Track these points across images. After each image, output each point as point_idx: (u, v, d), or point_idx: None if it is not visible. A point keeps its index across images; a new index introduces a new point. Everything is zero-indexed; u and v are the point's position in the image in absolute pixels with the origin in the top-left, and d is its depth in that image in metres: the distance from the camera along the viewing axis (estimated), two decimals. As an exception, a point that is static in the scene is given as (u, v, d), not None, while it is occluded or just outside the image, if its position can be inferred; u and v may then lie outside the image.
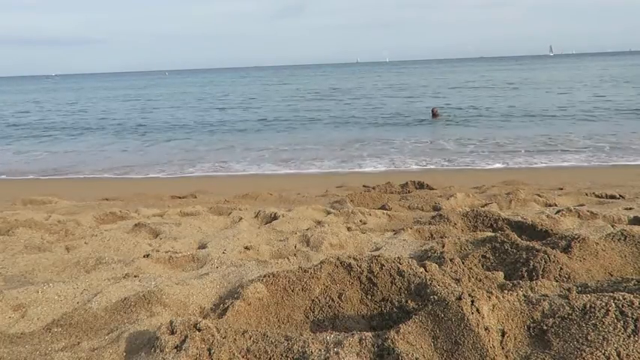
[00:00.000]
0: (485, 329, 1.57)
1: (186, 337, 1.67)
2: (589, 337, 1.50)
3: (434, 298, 1.78)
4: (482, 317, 1.59)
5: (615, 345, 1.45)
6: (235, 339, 1.68)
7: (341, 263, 2.20)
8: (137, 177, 9.26)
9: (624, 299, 1.59)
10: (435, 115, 17.32)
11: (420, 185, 5.87)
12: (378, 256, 2.24)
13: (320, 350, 1.60)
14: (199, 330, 1.69)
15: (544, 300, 1.68)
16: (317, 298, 2.08)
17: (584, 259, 2.40)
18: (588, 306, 1.60)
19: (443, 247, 2.82)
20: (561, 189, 5.63)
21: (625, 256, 2.47)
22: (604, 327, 1.52)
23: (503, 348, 1.57)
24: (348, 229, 3.55)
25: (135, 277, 2.58)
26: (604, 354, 1.43)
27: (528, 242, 2.67)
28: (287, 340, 1.66)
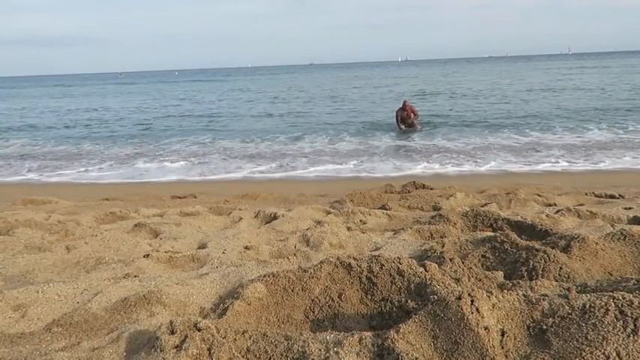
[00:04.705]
0: (485, 329, 1.57)
1: (186, 337, 1.67)
2: (589, 337, 1.50)
3: (434, 298, 1.79)
4: (482, 317, 1.60)
5: (615, 345, 1.45)
6: (235, 339, 1.68)
7: (341, 263, 2.20)
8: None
9: (624, 299, 1.59)
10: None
11: (420, 185, 5.88)
12: (378, 255, 2.24)
13: (320, 350, 1.60)
14: (199, 330, 1.69)
15: (544, 300, 1.68)
16: (317, 297, 2.08)
17: (583, 258, 2.41)
18: (588, 305, 1.60)
19: (443, 246, 2.82)
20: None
21: (625, 255, 2.47)
22: (604, 326, 1.52)
23: (502, 347, 1.57)
24: (348, 229, 3.55)
25: (135, 277, 2.58)
26: (604, 353, 1.43)
27: (528, 242, 2.68)
28: (287, 340, 1.67)
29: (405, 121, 13.71)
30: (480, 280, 2.27)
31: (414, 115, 13.80)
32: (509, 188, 5.66)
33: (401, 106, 13.92)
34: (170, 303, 2.20)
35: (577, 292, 1.84)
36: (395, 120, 13.98)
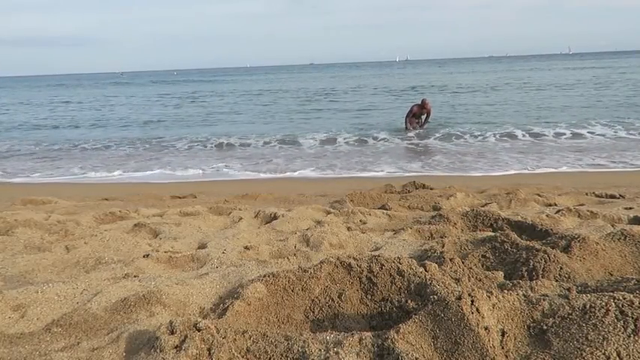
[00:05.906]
0: (485, 329, 1.57)
1: (185, 337, 1.67)
2: (589, 337, 1.50)
3: (434, 298, 1.78)
4: (482, 317, 1.59)
5: (615, 345, 1.45)
6: (235, 339, 1.68)
7: (341, 263, 2.20)
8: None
9: (624, 299, 1.59)
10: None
11: (420, 185, 5.88)
12: (378, 255, 2.24)
13: (320, 350, 1.60)
14: (199, 330, 1.69)
15: (544, 300, 1.68)
16: (317, 298, 2.08)
17: (584, 258, 2.40)
18: (588, 306, 1.60)
19: (443, 246, 2.82)
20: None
21: (625, 255, 2.47)
22: (604, 327, 1.52)
23: (503, 348, 1.57)
24: (348, 228, 3.55)
25: (135, 277, 2.58)
26: (604, 354, 1.43)
27: (528, 242, 2.67)
28: (287, 340, 1.66)
29: (418, 117, 13.36)
30: (480, 280, 2.27)
31: (428, 115, 13.52)
32: (509, 188, 5.66)
33: (419, 102, 13.45)
34: (170, 303, 2.20)
35: (577, 292, 1.84)
36: (406, 114, 13.58)
